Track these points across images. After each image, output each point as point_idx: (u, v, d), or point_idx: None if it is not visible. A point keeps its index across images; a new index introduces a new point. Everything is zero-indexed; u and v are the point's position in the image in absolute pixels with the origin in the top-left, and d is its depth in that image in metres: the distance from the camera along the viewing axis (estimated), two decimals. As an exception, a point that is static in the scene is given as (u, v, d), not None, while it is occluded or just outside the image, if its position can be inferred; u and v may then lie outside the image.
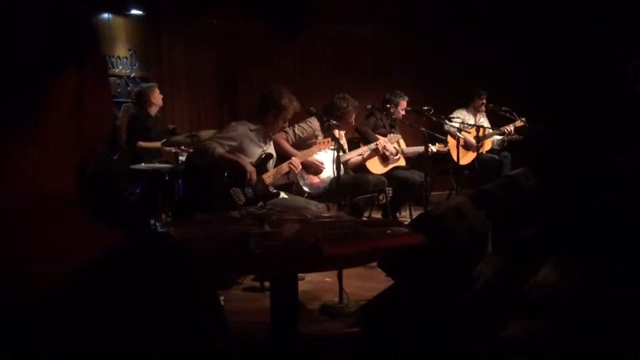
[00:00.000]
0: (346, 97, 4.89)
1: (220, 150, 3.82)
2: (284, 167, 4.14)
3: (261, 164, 4.05)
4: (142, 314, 0.50)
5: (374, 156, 5.31)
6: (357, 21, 7.03)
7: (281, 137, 4.53)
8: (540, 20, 6.89)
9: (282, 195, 4.08)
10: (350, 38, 7.20)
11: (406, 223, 3.62)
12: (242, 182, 3.90)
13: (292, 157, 4.21)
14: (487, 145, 6.26)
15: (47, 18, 0.54)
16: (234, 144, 3.91)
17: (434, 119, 5.60)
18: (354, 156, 5.16)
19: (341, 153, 4.20)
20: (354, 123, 5.09)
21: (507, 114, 6.13)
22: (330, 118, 4.46)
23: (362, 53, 7.31)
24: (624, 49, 6.79)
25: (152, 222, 4.40)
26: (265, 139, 4.13)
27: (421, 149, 5.35)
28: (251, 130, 4.02)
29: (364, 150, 5.21)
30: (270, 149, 4.20)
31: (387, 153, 5.30)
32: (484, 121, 6.26)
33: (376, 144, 5.20)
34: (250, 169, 3.86)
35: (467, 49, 7.15)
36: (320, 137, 4.54)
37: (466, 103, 6.36)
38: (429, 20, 7.04)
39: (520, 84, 6.95)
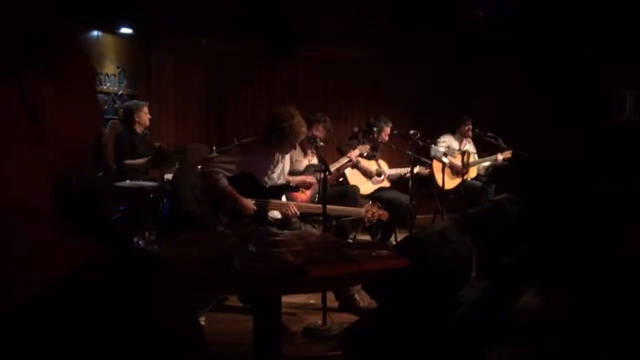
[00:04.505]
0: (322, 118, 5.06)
1: (224, 182, 3.71)
2: (284, 206, 3.92)
3: (277, 191, 3.94)
4: (114, 331, 0.48)
5: (347, 167, 5.37)
6: (347, 44, 7.10)
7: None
8: (524, 49, 7.01)
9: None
10: (340, 60, 7.27)
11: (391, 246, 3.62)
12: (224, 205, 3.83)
13: (290, 204, 3.95)
14: (473, 172, 6.30)
15: None
16: (234, 167, 3.76)
17: (420, 143, 5.66)
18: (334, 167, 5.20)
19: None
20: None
21: (492, 140, 6.21)
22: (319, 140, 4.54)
23: (351, 75, 7.37)
24: (607, 79, 6.93)
25: (136, 240, 4.36)
26: (275, 159, 4.01)
27: (402, 170, 5.40)
28: (259, 153, 3.90)
29: (336, 164, 5.24)
30: (280, 169, 4.07)
31: (360, 164, 5.43)
32: (469, 147, 6.33)
33: (348, 156, 5.25)
34: (250, 209, 3.73)
35: (453, 78, 7.25)
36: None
37: (452, 129, 6.44)
38: (420, 47, 7.13)
39: (504, 111, 7.03)
